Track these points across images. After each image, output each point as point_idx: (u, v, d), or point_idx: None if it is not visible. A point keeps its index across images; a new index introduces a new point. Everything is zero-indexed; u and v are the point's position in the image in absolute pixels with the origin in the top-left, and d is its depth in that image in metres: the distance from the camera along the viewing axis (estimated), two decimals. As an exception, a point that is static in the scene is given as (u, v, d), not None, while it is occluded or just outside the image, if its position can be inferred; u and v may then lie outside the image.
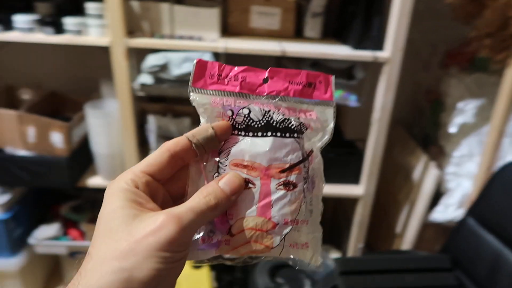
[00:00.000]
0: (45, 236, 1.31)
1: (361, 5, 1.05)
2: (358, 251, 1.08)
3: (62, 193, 1.43)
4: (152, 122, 1.17)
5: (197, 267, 1.12)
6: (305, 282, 1.26)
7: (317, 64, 1.10)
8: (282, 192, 0.33)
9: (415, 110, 1.54)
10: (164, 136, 1.20)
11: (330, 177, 1.23)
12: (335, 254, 1.42)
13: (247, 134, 0.33)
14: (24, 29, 1.00)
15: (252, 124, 0.33)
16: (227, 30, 1.14)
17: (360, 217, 1.29)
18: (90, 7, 1.00)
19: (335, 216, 1.75)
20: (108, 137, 1.13)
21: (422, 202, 1.31)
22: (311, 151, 0.34)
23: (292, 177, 0.33)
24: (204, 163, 0.33)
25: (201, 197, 0.29)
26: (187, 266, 1.12)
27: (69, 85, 1.38)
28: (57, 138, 1.09)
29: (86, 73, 1.39)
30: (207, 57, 1.02)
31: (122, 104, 1.06)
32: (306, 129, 0.34)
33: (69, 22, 0.99)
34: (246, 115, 0.33)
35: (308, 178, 0.34)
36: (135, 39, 1.00)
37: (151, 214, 0.27)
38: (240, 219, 0.32)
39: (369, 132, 1.16)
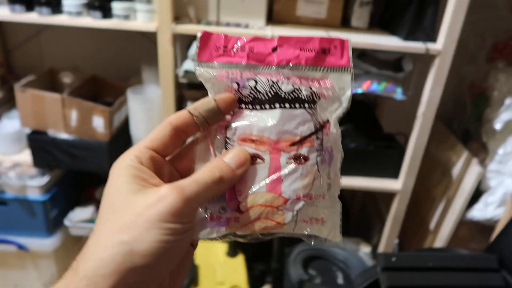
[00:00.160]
0: (80, 218, 1.32)
1: (414, -6, 1.01)
2: (395, 247, 1.07)
3: (97, 176, 1.44)
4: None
5: (232, 255, 1.11)
6: (337, 274, 1.25)
7: (364, 54, 1.07)
8: (292, 166, 0.31)
9: (455, 104, 1.50)
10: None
11: (368, 170, 1.21)
12: (365, 248, 1.41)
13: (254, 107, 0.31)
14: (72, 12, 0.99)
15: (259, 97, 0.31)
16: (271, 18, 1.12)
17: (396, 212, 1.27)
18: (138, -9, 0.99)
19: (364, 209, 1.73)
20: (148, 123, 1.13)
21: (461, 199, 1.28)
22: (327, 122, 0.32)
23: (303, 150, 0.31)
24: (212, 139, 0.32)
25: (205, 171, 0.29)
26: (222, 254, 1.12)
27: (107, 70, 1.38)
28: (98, 123, 1.09)
29: (124, 57, 1.38)
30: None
31: (165, 91, 1.05)
32: (319, 98, 0.32)
33: (117, 6, 0.98)
34: (253, 87, 0.31)
35: (323, 150, 0.32)
36: (181, 25, 0.99)
37: (154, 188, 0.27)
38: (249, 196, 0.31)
39: (413, 126, 1.13)
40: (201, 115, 0.30)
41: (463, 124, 1.46)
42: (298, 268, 1.18)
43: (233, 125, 0.32)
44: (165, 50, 1.00)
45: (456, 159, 1.33)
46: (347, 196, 1.72)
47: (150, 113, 1.12)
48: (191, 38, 1.04)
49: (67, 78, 1.22)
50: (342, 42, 0.33)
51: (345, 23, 1.14)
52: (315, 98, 0.32)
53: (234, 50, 0.32)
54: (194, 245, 0.33)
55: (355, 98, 1.45)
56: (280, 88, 0.31)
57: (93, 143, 1.12)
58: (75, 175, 1.38)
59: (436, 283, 0.88)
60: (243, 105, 0.32)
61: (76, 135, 1.12)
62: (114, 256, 0.25)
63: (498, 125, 1.23)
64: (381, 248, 1.37)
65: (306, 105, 0.32)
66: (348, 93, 0.33)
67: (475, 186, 1.24)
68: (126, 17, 0.99)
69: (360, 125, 1.26)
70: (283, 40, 0.32)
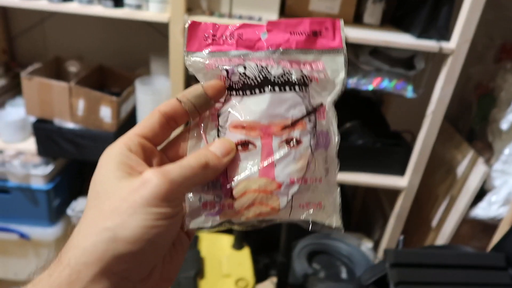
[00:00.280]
0: (82, 208, 1.31)
1: (429, -8, 1.00)
2: (401, 243, 1.07)
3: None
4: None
5: (237, 248, 1.11)
6: (341, 269, 1.26)
7: (376, 51, 1.06)
8: (285, 150, 0.30)
9: (461, 103, 1.50)
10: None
11: (374, 167, 1.21)
12: (367, 243, 1.41)
13: (244, 93, 0.31)
14: (83, 0, 0.97)
15: (249, 82, 0.31)
16: (284, 12, 1.11)
17: (400, 209, 1.28)
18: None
19: (365, 205, 1.74)
20: (156, 114, 1.12)
21: (465, 197, 1.29)
22: (321, 105, 0.32)
23: (296, 133, 0.31)
24: (204, 128, 0.31)
25: (191, 156, 0.28)
26: (228, 247, 1.11)
27: (111, 60, 1.36)
28: (106, 113, 1.08)
29: (129, 48, 1.37)
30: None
31: (175, 82, 1.04)
32: (311, 81, 0.32)
33: (129, -5, 0.97)
34: (242, 73, 0.31)
35: (318, 134, 0.32)
36: (194, 16, 0.97)
37: (138, 175, 0.26)
38: (242, 182, 0.30)
39: (421, 124, 1.13)
40: (189, 101, 0.30)
41: (468, 124, 1.47)
42: (303, 262, 1.18)
43: (224, 112, 0.31)
44: (176, 41, 0.98)
45: (461, 158, 1.34)
46: (349, 192, 1.73)
47: (158, 104, 1.09)
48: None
49: (73, 67, 1.20)
50: (334, 23, 0.32)
51: (357, 20, 1.13)
52: (306, 81, 0.31)
53: (223, 38, 0.31)
54: (189, 235, 0.32)
55: (361, 95, 1.45)
56: (269, 72, 0.31)
57: (99, 134, 1.10)
58: (79, 164, 1.37)
59: (444, 280, 0.89)
60: (233, 92, 0.31)
61: (83, 125, 1.10)
62: (97, 243, 0.24)
63: (504, 125, 1.23)
64: (383, 244, 1.37)
65: (297, 88, 0.31)
66: (341, 75, 0.32)
67: (480, 185, 1.25)
68: (138, 7, 0.97)
69: (367, 122, 1.26)
70: (272, 25, 0.31)
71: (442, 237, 1.39)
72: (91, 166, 1.41)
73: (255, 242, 1.18)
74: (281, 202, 0.31)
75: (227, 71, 0.31)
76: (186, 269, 0.97)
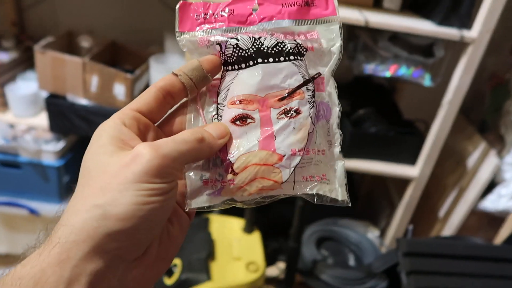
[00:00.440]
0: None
1: (453, -22, 0.98)
2: (409, 233, 1.07)
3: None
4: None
5: (248, 232, 1.11)
6: (349, 256, 1.26)
7: (396, 37, 1.05)
8: (284, 120, 0.30)
9: (474, 94, 1.49)
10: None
11: (385, 155, 1.21)
12: (374, 231, 1.42)
13: (240, 66, 0.31)
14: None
15: (242, 54, 0.30)
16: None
17: (409, 198, 1.28)
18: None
19: (371, 193, 1.74)
20: (170, 93, 1.11)
21: (475, 189, 1.29)
22: (318, 74, 0.31)
23: (294, 103, 0.30)
24: (202, 104, 0.31)
25: (186, 131, 0.28)
26: (238, 230, 1.11)
27: (122, 36, 1.34)
28: (119, 90, 1.06)
29: (140, 25, 1.34)
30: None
31: (188, 60, 1.02)
32: (306, 50, 0.31)
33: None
34: (235, 46, 0.30)
35: (318, 104, 0.31)
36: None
37: (129, 149, 0.25)
38: (243, 156, 0.30)
39: (435, 113, 1.12)
40: (185, 75, 0.29)
41: (480, 115, 1.46)
42: (312, 248, 1.18)
43: (223, 90, 0.31)
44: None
45: (472, 149, 1.33)
46: (356, 179, 1.73)
47: (172, 83, 1.09)
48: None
49: (85, 42, 1.18)
50: None
51: (377, 4, 1.11)
52: (301, 50, 0.31)
53: (215, 16, 0.31)
54: (190, 215, 0.31)
55: (374, 82, 1.44)
56: (262, 44, 0.30)
57: (112, 111, 1.07)
58: (89, 141, 1.36)
59: (456, 271, 0.89)
60: (229, 67, 0.31)
61: (95, 102, 1.09)
62: (87, 221, 0.23)
63: (519, 118, 1.22)
64: (390, 233, 1.38)
65: (292, 57, 0.31)
66: (338, 44, 0.32)
67: (491, 177, 1.25)
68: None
69: (380, 109, 1.25)
70: None
71: (449, 228, 1.39)
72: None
73: (264, 226, 1.18)
74: (283, 174, 0.30)
75: (220, 45, 0.30)
76: (198, 250, 0.98)
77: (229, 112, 0.30)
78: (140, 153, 0.24)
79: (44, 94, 1.12)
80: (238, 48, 0.30)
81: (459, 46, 1.02)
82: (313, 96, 0.31)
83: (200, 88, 0.31)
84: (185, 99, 0.31)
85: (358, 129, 1.17)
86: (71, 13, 1.36)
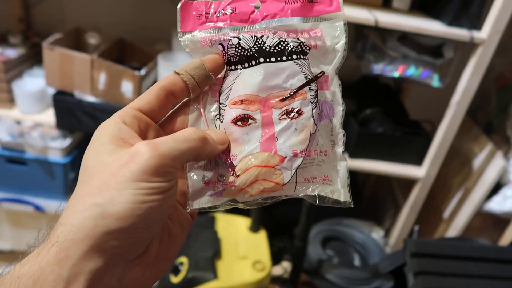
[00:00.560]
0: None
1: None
2: (415, 233, 1.07)
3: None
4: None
5: (254, 231, 1.11)
6: (354, 256, 1.26)
7: (405, 37, 1.05)
8: (285, 121, 0.30)
9: (480, 94, 1.49)
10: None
11: (391, 156, 1.21)
12: (378, 232, 1.42)
13: (243, 66, 0.30)
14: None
15: (244, 53, 0.30)
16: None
17: (415, 199, 1.28)
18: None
19: (375, 193, 1.74)
20: (177, 91, 1.10)
21: (480, 190, 1.29)
22: (322, 73, 0.31)
23: (296, 104, 0.30)
24: (204, 104, 0.31)
25: (188, 128, 0.28)
26: (244, 229, 1.11)
27: (129, 33, 1.33)
28: (127, 87, 1.06)
29: (148, 22, 1.34)
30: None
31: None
32: (309, 49, 0.30)
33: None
34: (237, 45, 0.30)
35: (321, 103, 0.31)
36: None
37: (129, 148, 0.25)
38: (244, 158, 0.29)
39: (443, 114, 1.12)
40: (187, 74, 0.29)
41: (486, 115, 1.46)
42: (317, 248, 1.18)
43: (225, 90, 0.30)
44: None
45: (478, 150, 1.33)
46: (360, 179, 1.72)
47: (180, 81, 1.09)
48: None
49: (92, 39, 1.18)
50: None
51: (386, 4, 1.11)
52: (304, 49, 0.30)
53: (217, 14, 0.31)
54: (192, 214, 0.31)
55: (380, 81, 1.44)
56: (264, 43, 0.30)
57: (120, 108, 1.09)
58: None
59: (463, 272, 0.89)
60: (232, 66, 0.30)
61: (103, 99, 1.09)
62: (85, 220, 0.23)
63: (526, 120, 1.22)
64: (395, 233, 1.38)
65: (294, 56, 0.30)
66: (342, 41, 0.31)
67: (497, 179, 1.25)
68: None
69: (387, 109, 1.24)
70: None
71: (453, 229, 1.39)
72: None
73: (268, 226, 1.18)
74: (285, 176, 0.30)
75: (222, 45, 0.30)
76: (204, 249, 0.97)
77: (231, 112, 0.30)
78: (139, 151, 0.24)
79: (51, 90, 1.12)
80: (240, 48, 0.30)
81: (468, 47, 1.02)
82: (316, 96, 0.30)
83: (203, 88, 0.30)
84: (187, 98, 0.31)
85: (365, 129, 1.16)
86: (77, 9, 1.35)
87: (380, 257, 1.19)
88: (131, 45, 1.22)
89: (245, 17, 0.31)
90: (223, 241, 1.04)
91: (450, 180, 1.44)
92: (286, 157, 0.29)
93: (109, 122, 0.27)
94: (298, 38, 0.30)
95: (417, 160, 1.22)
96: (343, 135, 0.32)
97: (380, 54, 1.06)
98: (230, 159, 0.30)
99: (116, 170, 0.24)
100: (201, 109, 0.31)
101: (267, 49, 0.30)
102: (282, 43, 0.30)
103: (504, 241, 1.18)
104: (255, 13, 0.31)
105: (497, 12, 0.94)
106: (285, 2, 0.31)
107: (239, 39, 0.30)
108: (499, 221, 1.34)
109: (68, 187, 1.24)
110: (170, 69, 1.09)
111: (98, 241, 0.23)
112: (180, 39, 0.31)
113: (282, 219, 1.29)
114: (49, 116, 1.14)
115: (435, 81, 1.06)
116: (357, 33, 1.15)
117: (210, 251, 0.97)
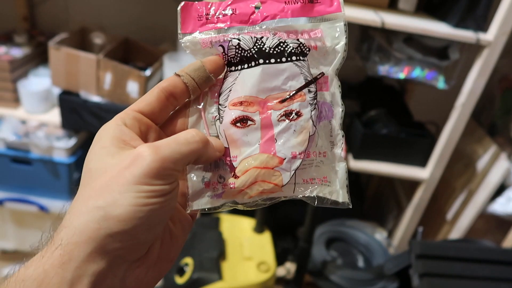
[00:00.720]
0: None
1: (470, -20, 0.98)
2: (419, 235, 1.07)
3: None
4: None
5: (259, 231, 1.11)
6: (358, 257, 1.26)
7: (410, 39, 1.05)
8: (284, 123, 0.30)
9: (484, 96, 1.49)
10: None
11: (395, 157, 1.21)
12: (381, 233, 1.42)
13: (242, 67, 0.30)
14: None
15: (244, 54, 0.30)
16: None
17: (419, 200, 1.28)
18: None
19: (378, 194, 1.74)
20: (182, 92, 1.11)
21: (484, 192, 1.29)
22: (321, 74, 0.31)
23: (295, 105, 0.30)
24: (203, 105, 0.31)
25: (189, 130, 0.28)
26: (249, 229, 1.11)
27: (134, 33, 1.33)
28: (133, 88, 1.06)
29: (152, 22, 1.34)
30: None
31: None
32: (309, 50, 0.30)
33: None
34: (236, 46, 0.30)
35: (320, 105, 0.31)
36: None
37: (131, 150, 0.25)
38: (244, 159, 0.30)
39: (448, 116, 1.12)
40: (188, 75, 0.29)
41: (489, 117, 1.46)
42: (321, 249, 1.18)
43: (225, 91, 0.31)
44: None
45: (482, 152, 1.33)
46: (363, 180, 1.73)
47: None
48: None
49: (98, 39, 1.18)
50: None
51: (392, 5, 1.11)
52: (304, 50, 0.30)
53: (217, 16, 0.31)
54: (192, 215, 0.31)
55: (384, 83, 1.44)
56: (264, 44, 0.30)
57: (125, 109, 1.09)
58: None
59: (469, 274, 0.89)
60: (232, 68, 0.30)
61: (108, 99, 1.09)
62: (88, 222, 0.23)
63: (530, 122, 1.22)
64: (398, 235, 1.38)
65: (294, 57, 0.30)
66: (342, 42, 0.31)
67: (501, 180, 1.25)
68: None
69: (391, 110, 1.24)
70: None
71: (457, 231, 1.39)
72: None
73: (273, 227, 1.18)
74: (284, 178, 0.30)
75: (222, 47, 0.30)
76: (209, 250, 0.97)
77: (230, 114, 0.30)
78: (141, 154, 0.24)
79: (56, 90, 1.12)
80: (240, 49, 0.30)
81: (474, 49, 1.02)
82: (315, 97, 0.30)
83: (203, 89, 0.31)
84: (187, 99, 0.31)
85: (369, 130, 1.16)
86: (82, 8, 1.35)
87: (383, 258, 1.19)
88: (136, 45, 1.22)
89: (246, 18, 0.31)
90: (228, 242, 1.04)
91: (454, 182, 1.44)
92: (285, 158, 0.30)
93: (110, 124, 0.28)
94: (298, 39, 0.30)
95: (422, 161, 1.22)
96: (342, 136, 0.32)
97: (385, 56, 1.06)
98: (231, 160, 0.30)
99: (118, 173, 0.24)
100: (201, 110, 0.31)
101: (267, 50, 0.30)
102: (281, 44, 0.30)
103: (507, 243, 1.18)
104: (255, 14, 0.31)
105: (504, 14, 0.94)
106: (285, 2, 0.31)
107: (239, 40, 0.30)
108: (502, 223, 1.34)
109: (73, 187, 1.24)
110: (176, 69, 1.09)
111: (101, 243, 0.23)
112: (180, 40, 0.31)
113: (286, 220, 1.29)
114: (54, 116, 1.14)
115: (440, 83, 1.07)
116: (362, 34, 1.15)
117: (214, 252, 0.97)
